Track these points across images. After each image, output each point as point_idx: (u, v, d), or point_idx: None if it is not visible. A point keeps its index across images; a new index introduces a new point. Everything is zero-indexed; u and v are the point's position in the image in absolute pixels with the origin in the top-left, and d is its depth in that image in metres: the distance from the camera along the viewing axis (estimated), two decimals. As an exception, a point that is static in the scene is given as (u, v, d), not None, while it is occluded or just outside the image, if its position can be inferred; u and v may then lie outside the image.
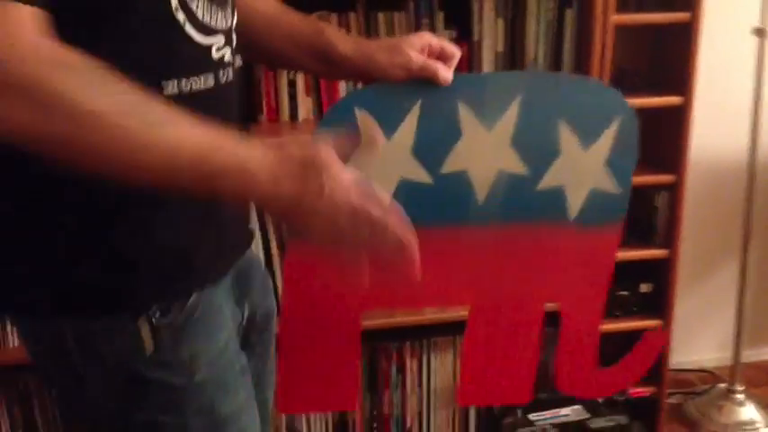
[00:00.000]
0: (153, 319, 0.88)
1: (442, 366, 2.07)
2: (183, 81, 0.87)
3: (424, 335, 2.04)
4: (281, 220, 0.88)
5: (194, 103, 0.83)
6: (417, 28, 1.84)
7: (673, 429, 2.31)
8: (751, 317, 2.47)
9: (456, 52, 1.08)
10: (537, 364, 1.32)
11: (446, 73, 1.05)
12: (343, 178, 0.79)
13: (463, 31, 1.87)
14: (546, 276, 1.27)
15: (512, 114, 1.13)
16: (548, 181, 1.19)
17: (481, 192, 1.17)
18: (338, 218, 0.79)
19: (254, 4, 1.09)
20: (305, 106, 1.87)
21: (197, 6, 0.88)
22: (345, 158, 0.84)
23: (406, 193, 1.10)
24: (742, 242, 2.25)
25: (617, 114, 1.17)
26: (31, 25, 0.72)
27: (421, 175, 1.12)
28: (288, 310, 1.19)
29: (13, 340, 1.84)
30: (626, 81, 1.92)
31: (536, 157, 1.17)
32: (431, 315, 1.97)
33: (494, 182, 1.17)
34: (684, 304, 2.42)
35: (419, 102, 1.09)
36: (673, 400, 2.40)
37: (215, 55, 0.91)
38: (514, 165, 1.16)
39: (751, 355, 2.51)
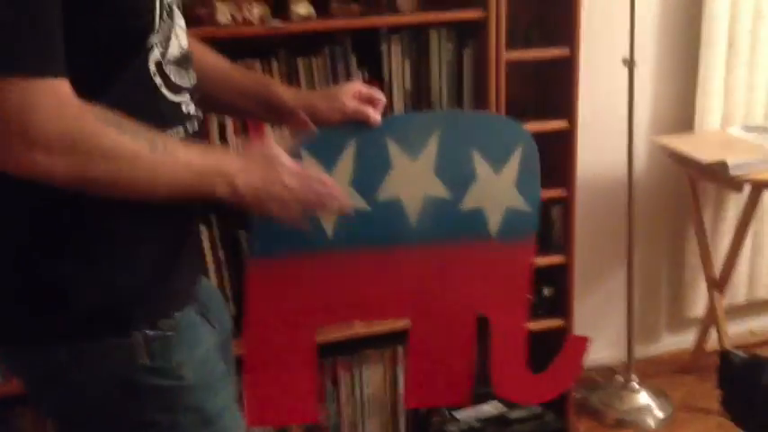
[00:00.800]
0: (146, 334, 1.04)
1: (372, 377, 2.25)
2: (161, 132, 1.05)
3: (355, 349, 2.22)
4: (252, 206, 1.05)
5: None
6: (333, 71, 2.04)
7: (581, 421, 2.56)
8: (640, 317, 2.76)
9: (382, 98, 1.29)
10: (473, 367, 1.51)
11: (375, 115, 1.26)
12: (291, 166, 1.08)
13: (374, 72, 2.08)
14: (474, 288, 1.44)
15: (432, 147, 1.34)
16: (468, 202, 1.40)
17: (412, 215, 1.37)
18: (291, 195, 1.08)
19: (205, 59, 1.27)
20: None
21: (169, 71, 1.06)
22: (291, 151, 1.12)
23: (347, 219, 1.30)
24: (627, 249, 2.54)
25: (520, 142, 1.39)
26: (70, 93, 0.91)
27: (359, 203, 1.32)
28: (250, 330, 1.34)
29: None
30: (518, 110, 2.17)
31: (456, 182, 1.38)
32: (360, 329, 2.15)
33: (422, 206, 1.37)
34: (581, 307, 2.67)
35: (354, 140, 1.29)
36: (578, 394, 2.66)
37: (184, 110, 1.10)
38: (438, 190, 1.37)
39: (641, 349, 2.79)
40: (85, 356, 1.02)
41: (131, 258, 1.03)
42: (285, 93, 1.30)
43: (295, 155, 1.20)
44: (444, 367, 1.49)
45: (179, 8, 1.11)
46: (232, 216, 1.80)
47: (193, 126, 1.11)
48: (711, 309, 2.62)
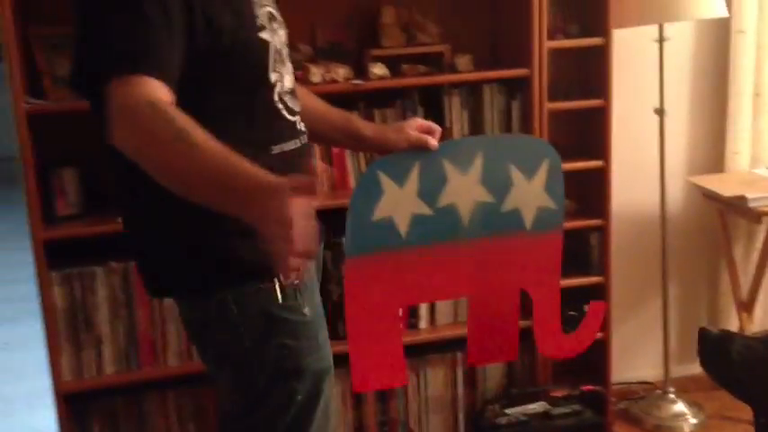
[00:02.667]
0: (281, 282, 1.44)
1: (435, 378, 2.62)
2: (283, 144, 1.47)
3: (421, 353, 2.60)
4: (251, 220, 1.26)
5: (289, 159, 1.46)
6: (404, 119, 2.46)
7: (623, 427, 2.89)
8: (679, 338, 3.06)
9: (437, 128, 1.69)
10: (517, 332, 1.84)
11: (433, 142, 1.66)
12: (295, 209, 1.17)
13: (438, 121, 2.49)
14: (515, 270, 1.80)
15: (478, 163, 1.73)
16: (508, 205, 1.77)
17: (465, 217, 1.75)
18: (277, 227, 1.18)
19: (307, 98, 1.72)
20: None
21: (287, 98, 1.50)
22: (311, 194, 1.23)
23: (417, 223, 1.70)
24: (662, 277, 2.87)
25: (547, 155, 1.77)
26: (159, 88, 1.25)
27: (425, 210, 1.72)
28: (350, 312, 1.68)
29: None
30: (560, 152, 2.55)
31: (498, 190, 1.75)
32: (425, 335, 2.55)
33: (472, 209, 1.75)
34: (622, 327, 3.02)
35: (418, 162, 1.69)
36: (621, 405, 2.98)
37: (299, 127, 1.53)
38: (485, 196, 1.76)
39: (680, 369, 3.08)
40: (243, 298, 1.44)
41: None
42: (365, 127, 1.73)
43: (369, 176, 1.62)
44: (496, 332, 1.85)
45: (288, 56, 1.55)
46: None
47: (304, 140, 1.55)
48: (741, 329, 2.92)
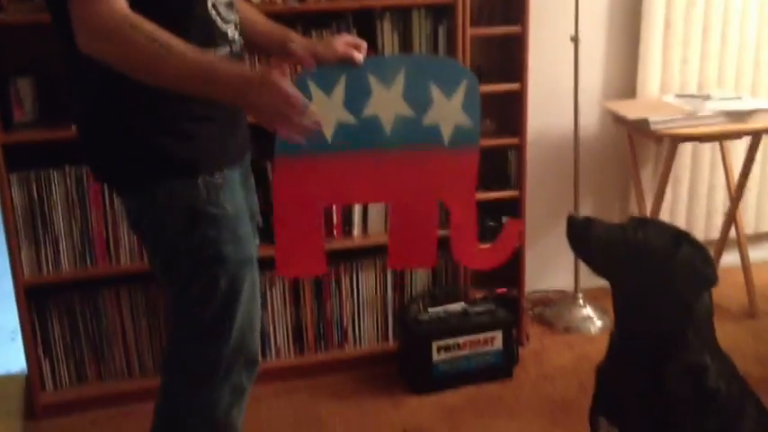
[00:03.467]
0: (206, 179, 1.65)
1: (366, 281, 2.87)
2: (215, 50, 1.64)
3: (354, 258, 2.85)
4: (244, 108, 1.62)
5: None
6: (339, 41, 2.67)
7: (536, 329, 3.19)
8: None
9: (363, 44, 1.88)
10: (436, 240, 2.04)
11: (359, 57, 1.86)
12: (280, 86, 1.53)
13: (370, 42, 2.68)
14: (432, 181, 1.98)
15: (401, 79, 1.93)
16: (427, 119, 1.97)
17: (387, 127, 1.96)
18: (272, 108, 1.55)
19: (250, 14, 1.90)
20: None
21: (221, 8, 1.67)
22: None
23: (342, 130, 1.92)
24: (574, 194, 3.16)
25: (465, 77, 1.99)
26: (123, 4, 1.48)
27: (349, 119, 1.93)
28: (277, 205, 1.92)
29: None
30: (481, 74, 2.79)
31: (419, 105, 1.94)
32: (359, 242, 2.80)
33: (394, 121, 1.95)
34: (540, 242, 3.31)
35: (344, 74, 1.90)
36: (537, 311, 3.29)
37: (230, 35, 1.71)
38: (406, 110, 1.96)
39: (589, 280, 3.34)
40: (172, 191, 1.64)
41: (202, 131, 1.65)
42: (297, 39, 1.93)
43: (298, 83, 1.83)
44: (414, 238, 2.06)
45: None
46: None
47: (236, 48, 1.73)
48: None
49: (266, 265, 1.99)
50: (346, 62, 1.87)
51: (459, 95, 1.97)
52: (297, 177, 1.92)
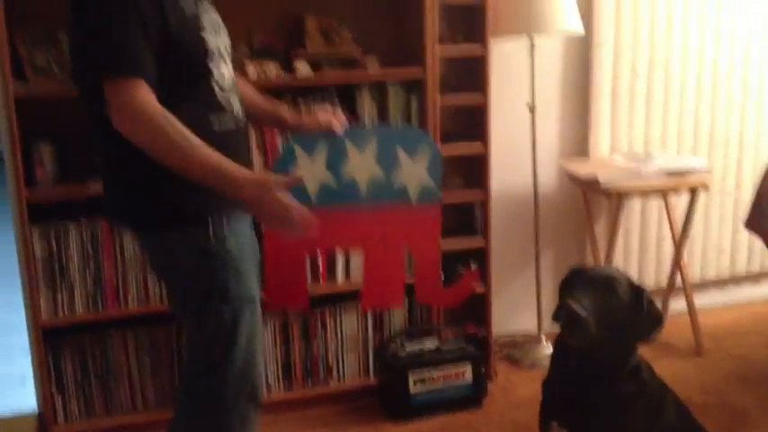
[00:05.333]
0: (213, 228, 1.94)
1: (349, 322, 3.16)
2: (222, 124, 1.95)
3: (338, 301, 3.15)
4: (245, 209, 1.92)
5: (228, 136, 1.96)
6: (324, 109, 3.02)
7: (504, 367, 3.49)
8: (551, 297, 3.67)
9: (343, 116, 2.26)
10: (404, 284, 2.40)
11: (338, 127, 2.24)
12: (280, 196, 1.84)
13: (351, 111, 3.06)
14: (402, 231, 2.34)
15: (373, 145, 2.30)
16: (397, 181, 2.34)
17: (363, 187, 2.32)
18: (272, 212, 1.86)
19: (246, 90, 2.22)
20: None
21: (226, 87, 2.00)
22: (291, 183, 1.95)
23: (324, 190, 2.25)
24: (534, 247, 3.50)
25: (427, 143, 2.36)
26: (149, 92, 1.80)
27: (331, 181, 2.28)
28: (267, 251, 2.28)
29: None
30: (450, 137, 3.16)
31: (388, 167, 2.32)
32: (342, 287, 3.11)
33: (369, 182, 2.31)
34: (505, 289, 3.63)
35: (325, 141, 2.25)
36: (505, 352, 3.60)
37: (236, 113, 2.02)
38: (378, 173, 2.33)
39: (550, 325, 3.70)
40: (185, 236, 1.94)
41: (209, 190, 1.90)
42: (286, 113, 2.29)
43: (287, 147, 2.18)
44: (385, 282, 2.41)
45: (229, 56, 2.04)
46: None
47: (241, 123, 2.04)
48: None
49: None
50: (328, 131, 2.23)
51: (422, 159, 2.33)
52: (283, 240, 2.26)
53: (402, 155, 2.32)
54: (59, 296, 2.83)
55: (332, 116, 2.26)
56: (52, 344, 2.87)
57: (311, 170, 2.26)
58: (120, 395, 2.98)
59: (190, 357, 2.14)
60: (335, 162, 2.26)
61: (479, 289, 3.22)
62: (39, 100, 2.75)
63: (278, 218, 1.87)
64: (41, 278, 2.80)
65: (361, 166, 2.30)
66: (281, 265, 2.33)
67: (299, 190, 2.17)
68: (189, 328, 2.08)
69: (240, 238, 2.04)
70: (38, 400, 3.01)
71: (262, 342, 2.13)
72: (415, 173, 2.34)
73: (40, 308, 2.80)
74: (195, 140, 1.81)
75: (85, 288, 2.85)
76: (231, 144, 1.98)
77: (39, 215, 2.78)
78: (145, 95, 1.78)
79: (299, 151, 2.25)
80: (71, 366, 2.91)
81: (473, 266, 3.28)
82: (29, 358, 3.01)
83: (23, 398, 3.22)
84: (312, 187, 2.26)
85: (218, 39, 1.99)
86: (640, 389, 2.11)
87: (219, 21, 2.05)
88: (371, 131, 2.41)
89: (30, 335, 2.87)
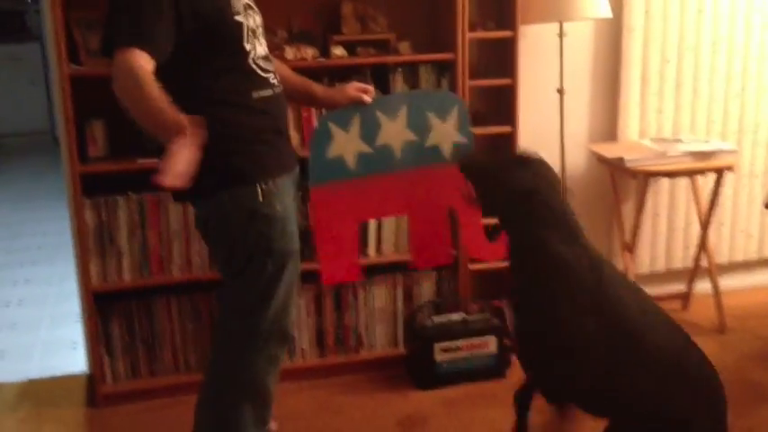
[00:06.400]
0: (262, 186, 2.12)
1: (379, 294, 3.32)
2: (261, 92, 2.15)
3: (369, 274, 3.28)
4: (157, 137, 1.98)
5: (266, 101, 2.14)
6: (358, 91, 3.17)
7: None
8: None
9: (371, 88, 2.41)
10: (450, 240, 2.52)
11: (367, 98, 2.39)
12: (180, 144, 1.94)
13: (384, 92, 3.20)
14: (440, 191, 2.47)
15: (404, 112, 2.44)
16: (429, 141, 2.48)
17: (397, 152, 2.46)
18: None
19: (281, 70, 2.39)
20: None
21: (260, 62, 2.17)
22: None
23: (361, 159, 2.40)
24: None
25: (456, 103, 2.49)
26: (142, 57, 1.93)
27: (366, 149, 2.43)
28: (316, 225, 2.42)
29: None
30: (479, 119, 3.28)
31: (420, 131, 2.45)
32: (373, 260, 3.26)
33: (402, 146, 2.46)
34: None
35: (357, 113, 2.41)
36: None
37: (271, 81, 2.20)
38: (410, 137, 2.46)
39: None
40: (235, 197, 2.11)
41: (256, 149, 2.12)
42: (318, 89, 2.45)
43: (321, 124, 2.33)
44: (432, 241, 2.54)
45: (262, 34, 2.21)
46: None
47: (277, 90, 2.21)
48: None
49: (307, 278, 2.45)
50: (357, 103, 2.37)
51: (452, 119, 2.47)
52: (329, 202, 2.42)
53: (431, 116, 2.45)
54: (108, 263, 3.03)
55: (360, 89, 2.40)
56: (101, 309, 3.08)
57: (347, 143, 2.41)
58: (164, 358, 3.17)
59: (226, 306, 2.30)
60: (369, 132, 2.39)
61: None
62: (92, 80, 2.94)
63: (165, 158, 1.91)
64: (92, 247, 3.00)
65: (394, 132, 2.43)
66: (330, 240, 2.45)
67: (338, 162, 2.31)
68: (231, 278, 2.23)
69: (286, 197, 2.21)
70: (88, 361, 3.22)
71: (295, 290, 2.29)
72: (446, 132, 2.45)
73: (90, 274, 3.00)
74: (162, 100, 1.92)
75: (132, 256, 3.05)
76: (270, 109, 2.17)
77: (91, 189, 2.98)
78: (138, 60, 1.93)
79: (333, 127, 2.40)
80: (118, 330, 3.11)
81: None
82: (80, 324, 3.23)
83: (75, 361, 3.44)
84: (351, 159, 2.41)
85: (249, 19, 2.16)
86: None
87: (252, 4, 2.23)
88: (400, 98, 2.55)
89: (81, 300, 3.08)
